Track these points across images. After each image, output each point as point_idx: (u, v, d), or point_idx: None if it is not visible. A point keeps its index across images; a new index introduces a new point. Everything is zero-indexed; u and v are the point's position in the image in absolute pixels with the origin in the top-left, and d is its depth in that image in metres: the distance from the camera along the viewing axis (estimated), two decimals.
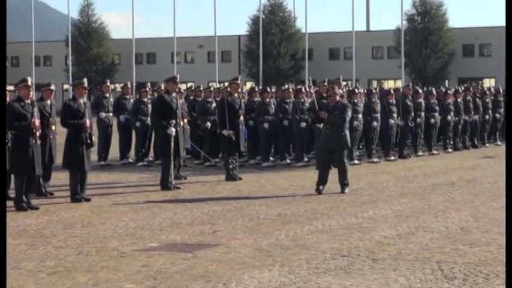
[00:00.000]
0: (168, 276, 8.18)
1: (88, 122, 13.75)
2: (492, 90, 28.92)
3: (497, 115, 27.05)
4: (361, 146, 22.48)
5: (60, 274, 8.30)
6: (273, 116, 20.31)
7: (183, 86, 22.88)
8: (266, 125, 20.15)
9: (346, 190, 14.71)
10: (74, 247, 9.72)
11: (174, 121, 15.31)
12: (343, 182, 14.76)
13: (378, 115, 21.14)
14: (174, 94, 15.61)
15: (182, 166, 17.95)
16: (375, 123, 21.00)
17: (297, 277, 8.09)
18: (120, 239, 10.26)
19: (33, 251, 9.51)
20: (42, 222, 11.60)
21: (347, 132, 14.88)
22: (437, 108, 23.71)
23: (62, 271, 8.44)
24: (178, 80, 15.97)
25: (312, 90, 20.81)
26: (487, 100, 26.56)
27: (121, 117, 20.75)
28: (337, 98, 15.03)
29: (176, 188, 15.39)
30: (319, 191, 14.50)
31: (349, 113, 15.09)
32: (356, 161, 20.32)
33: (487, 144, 26.57)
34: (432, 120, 23.43)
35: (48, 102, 14.14)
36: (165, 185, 15.31)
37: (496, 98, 27.34)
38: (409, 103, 22.51)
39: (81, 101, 13.89)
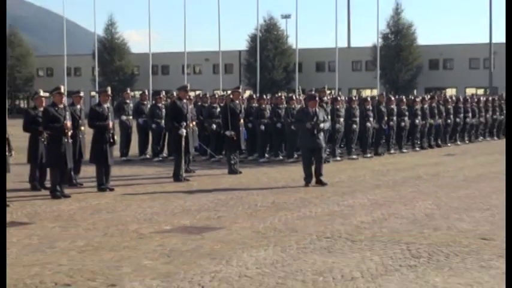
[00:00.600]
0: (179, 254, 8.23)
1: (111, 124, 13.78)
2: (453, 98, 28.96)
3: (458, 119, 27.07)
4: (342, 145, 22.50)
5: (89, 252, 8.36)
6: (268, 119, 20.34)
7: (192, 94, 22.85)
8: (262, 127, 20.19)
9: (326, 181, 14.62)
10: (100, 229, 9.77)
11: (184, 123, 15.34)
12: (320, 174, 14.67)
13: (357, 119, 21.13)
14: (184, 100, 15.62)
15: (191, 161, 17.96)
16: (354, 126, 21.01)
17: (288, 255, 8.15)
18: (139, 222, 10.30)
19: (65, 233, 9.56)
20: (73, 209, 11.64)
21: (322, 133, 15.00)
22: (407, 113, 23.70)
23: (90, 250, 8.49)
24: (188, 88, 16.00)
25: (301, 98, 20.90)
26: (448, 107, 26.55)
27: (139, 120, 20.79)
28: (316, 104, 15.03)
29: (186, 180, 15.41)
30: (307, 185, 14.49)
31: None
32: (338, 158, 20.37)
33: (449, 144, 26.57)
34: (402, 124, 23.44)
35: (78, 107, 14.18)
36: (177, 177, 15.35)
37: (456, 105, 27.33)
38: (383, 109, 22.53)
39: (106, 106, 13.91)
